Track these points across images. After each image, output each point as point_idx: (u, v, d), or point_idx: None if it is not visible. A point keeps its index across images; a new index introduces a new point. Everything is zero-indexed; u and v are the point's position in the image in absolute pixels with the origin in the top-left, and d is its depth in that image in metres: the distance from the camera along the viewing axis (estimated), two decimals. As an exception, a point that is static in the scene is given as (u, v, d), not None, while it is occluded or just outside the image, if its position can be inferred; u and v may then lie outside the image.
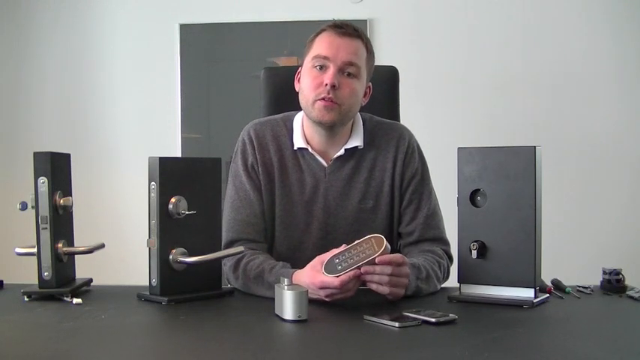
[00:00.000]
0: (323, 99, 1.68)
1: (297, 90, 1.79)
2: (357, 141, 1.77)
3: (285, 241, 1.76)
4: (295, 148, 1.77)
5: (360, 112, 1.81)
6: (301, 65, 1.78)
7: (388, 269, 1.44)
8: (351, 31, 1.71)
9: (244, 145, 1.80)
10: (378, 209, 1.77)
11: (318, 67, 1.70)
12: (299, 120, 1.80)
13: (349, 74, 1.69)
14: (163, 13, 3.73)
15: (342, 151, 1.76)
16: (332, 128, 1.73)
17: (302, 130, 1.78)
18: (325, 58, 1.68)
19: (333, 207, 1.76)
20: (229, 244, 1.71)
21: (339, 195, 1.76)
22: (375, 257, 1.42)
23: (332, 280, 1.43)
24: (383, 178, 1.77)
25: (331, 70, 1.68)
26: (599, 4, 3.59)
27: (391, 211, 1.78)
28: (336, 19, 1.77)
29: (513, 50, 3.61)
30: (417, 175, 1.79)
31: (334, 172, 1.76)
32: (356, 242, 1.46)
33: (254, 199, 1.75)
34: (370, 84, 1.79)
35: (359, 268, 1.43)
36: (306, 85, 1.71)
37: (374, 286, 1.47)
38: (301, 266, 1.56)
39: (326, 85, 1.67)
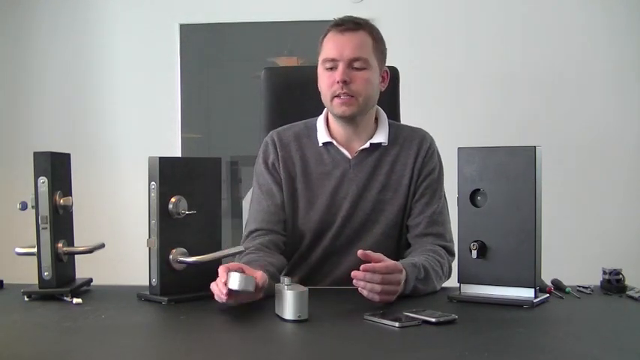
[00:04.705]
0: (338, 96, 1.75)
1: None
2: (382, 137, 1.84)
3: (307, 234, 1.82)
4: (320, 143, 1.84)
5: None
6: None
7: (378, 277, 1.45)
8: (352, 25, 1.78)
9: (266, 146, 1.88)
10: (395, 201, 1.82)
11: (329, 69, 1.77)
12: (322, 120, 1.87)
13: (357, 68, 1.75)
14: (163, 13, 3.73)
15: (367, 145, 1.83)
16: (354, 119, 1.80)
17: (325, 127, 1.85)
18: (333, 60, 1.75)
19: (356, 197, 1.81)
20: (249, 235, 1.79)
21: (362, 186, 1.82)
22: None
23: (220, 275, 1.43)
24: (403, 173, 1.83)
25: (340, 67, 1.74)
26: (597, 3, 3.59)
27: (405, 204, 1.83)
28: (336, 17, 1.82)
29: (513, 50, 3.61)
30: (434, 173, 1.85)
31: (359, 164, 1.82)
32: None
33: (275, 192, 1.83)
34: (387, 68, 1.85)
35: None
36: (322, 86, 1.80)
37: (365, 293, 1.47)
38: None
39: (337, 82, 1.74)
